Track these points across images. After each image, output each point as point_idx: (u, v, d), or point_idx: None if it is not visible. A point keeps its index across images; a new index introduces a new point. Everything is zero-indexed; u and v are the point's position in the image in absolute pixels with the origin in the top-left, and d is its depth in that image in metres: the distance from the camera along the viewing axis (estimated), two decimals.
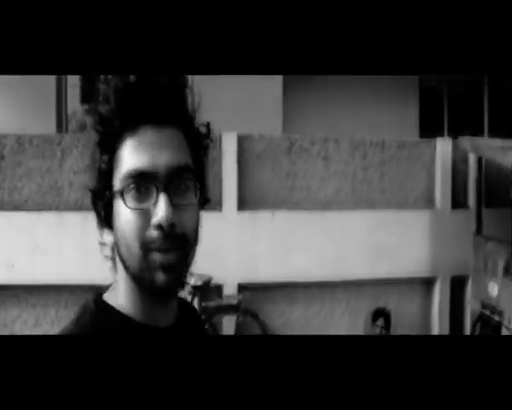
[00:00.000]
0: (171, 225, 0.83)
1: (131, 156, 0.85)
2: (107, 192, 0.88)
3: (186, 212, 0.87)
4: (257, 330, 5.37)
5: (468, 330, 5.90)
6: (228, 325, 5.51)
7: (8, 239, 5.43)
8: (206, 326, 4.92)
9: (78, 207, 5.74)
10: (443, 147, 6.07)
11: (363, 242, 5.90)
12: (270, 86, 7.17)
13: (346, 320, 6.16)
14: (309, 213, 5.87)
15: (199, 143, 0.94)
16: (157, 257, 0.85)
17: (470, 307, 5.49)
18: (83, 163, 5.72)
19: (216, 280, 5.26)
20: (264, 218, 5.72)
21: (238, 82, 6.63)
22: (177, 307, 0.99)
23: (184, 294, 5.82)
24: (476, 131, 8.22)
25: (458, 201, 6.15)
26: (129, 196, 0.85)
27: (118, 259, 0.91)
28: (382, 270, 5.94)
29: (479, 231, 5.57)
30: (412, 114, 8.49)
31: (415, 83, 8.70)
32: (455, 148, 5.95)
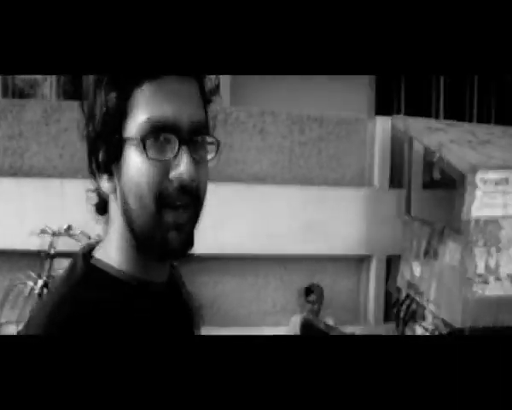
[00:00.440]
0: (192, 181, 0.81)
1: (153, 104, 0.80)
2: (116, 136, 0.81)
3: (202, 169, 0.85)
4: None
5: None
6: None
7: None
8: None
9: (13, 173, 5.74)
10: (383, 125, 6.05)
11: (297, 217, 5.90)
12: None
13: (281, 294, 6.19)
14: (243, 185, 5.86)
15: (209, 99, 0.91)
16: (170, 215, 0.81)
17: (397, 287, 5.52)
18: (18, 128, 5.70)
19: None
20: None
21: None
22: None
23: None
24: (431, 113, 8.19)
25: (398, 180, 6.15)
26: (147, 145, 0.80)
27: (116, 211, 0.86)
28: (316, 246, 5.95)
29: (408, 210, 5.58)
30: (368, 93, 8.43)
31: None
32: (392, 127, 5.94)
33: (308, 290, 5.53)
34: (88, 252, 0.90)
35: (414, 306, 5.23)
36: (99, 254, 0.88)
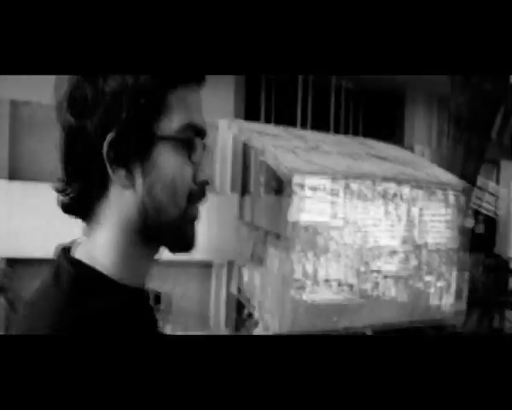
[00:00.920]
0: (208, 182, 0.88)
1: (187, 109, 0.84)
2: (148, 134, 0.81)
3: None
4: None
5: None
6: None
7: None
8: None
9: None
10: (224, 129, 5.99)
11: None
12: None
13: None
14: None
15: None
16: (193, 210, 0.87)
17: (229, 294, 5.47)
18: None
19: None
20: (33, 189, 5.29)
21: None
22: None
23: None
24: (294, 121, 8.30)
25: (244, 186, 6.13)
26: (185, 148, 0.84)
27: (113, 209, 0.84)
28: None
29: (241, 215, 5.56)
30: (235, 99, 8.39)
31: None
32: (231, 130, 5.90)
33: (157, 299, 5.34)
34: (67, 253, 0.86)
35: (248, 310, 5.21)
36: (81, 255, 0.84)
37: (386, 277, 4.67)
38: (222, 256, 6.07)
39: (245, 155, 5.52)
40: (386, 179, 4.56)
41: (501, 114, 6.09)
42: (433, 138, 7.52)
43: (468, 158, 6.30)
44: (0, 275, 5.22)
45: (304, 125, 8.61)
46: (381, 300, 4.66)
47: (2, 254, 5.38)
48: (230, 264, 6.08)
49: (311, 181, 4.02)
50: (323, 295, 4.22)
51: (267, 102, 8.70)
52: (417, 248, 4.86)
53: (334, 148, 5.04)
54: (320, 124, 7.83)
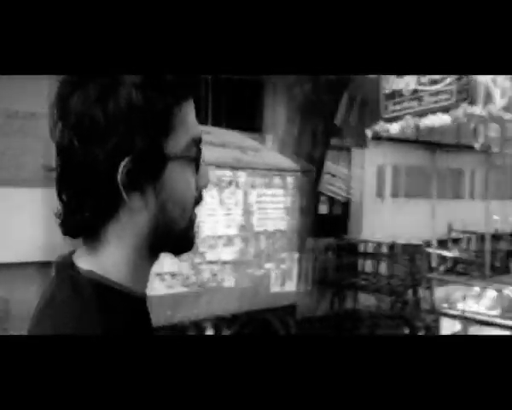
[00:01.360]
0: (207, 186, 0.93)
1: (192, 123, 0.87)
2: (161, 154, 0.82)
3: None
4: None
5: None
6: None
7: None
8: None
9: None
10: None
11: None
12: None
13: None
14: None
15: None
16: (194, 213, 0.91)
17: None
18: None
19: None
20: None
21: None
22: None
23: None
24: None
25: None
26: (191, 162, 0.88)
27: (127, 226, 0.84)
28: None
29: None
30: None
31: None
32: None
33: None
34: (72, 263, 0.86)
35: None
36: (88, 265, 0.84)
37: (224, 265, 4.59)
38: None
39: None
40: (220, 166, 4.48)
41: (344, 100, 6.26)
42: (282, 125, 7.60)
43: (315, 144, 6.44)
44: None
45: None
46: (220, 289, 4.58)
47: None
48: None
49: None
50: (156, 289, 4.05)
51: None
52: (256, 234, 4.83)
53: None
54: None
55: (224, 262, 4.59)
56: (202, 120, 8.02)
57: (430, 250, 6.05)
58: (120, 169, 0.77)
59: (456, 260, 7.41)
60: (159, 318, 4.03)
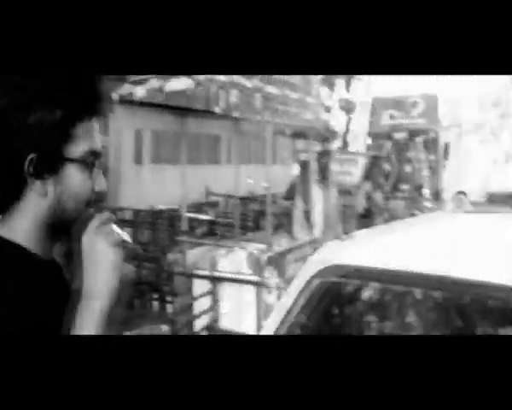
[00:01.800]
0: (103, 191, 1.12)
1: (92, 137, 1.08)
2: (60, 155, 1.05)
3: None
4: None
5: None
6: None
7: None
8: None
9: None
10: None
11: None
12: None
13: None
14: None
15: None
16: (86, 211, 1.07)
17: None
18: None
19: None
20: None
21: None
22: None
23: None
24: None
25: None
26: (87, 167, 1.07)
27: (33, 202, 1.06)
28: None
29: None
30: None
31: None
32: None
33: None
34: None
35: None
36: (2, 231, 1.06)
37: None
38: None
39: None
40: None
41: None
42: None
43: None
44: None
45: None
46: None
47: None
48: None
49: None
50: None
51: None
52: None
53: None
54: None
55: None
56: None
57: (187, 214, 6.16)
58: (27, 161, 1.01)
59: (212, 223, 7.72)
60: None
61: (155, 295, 6.34)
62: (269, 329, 1.64)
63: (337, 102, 9.77)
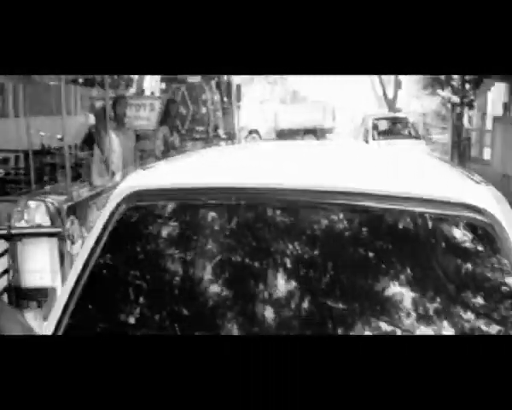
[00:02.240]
0: None
1: None
2: None
3: None
4: None
5: None
6: None
7: None
8: None
9: None
10: None
11: None
12: None
13: None
14: None
15: None
16: None
17: None
18: None
19: None
20: None
21: None
22: None
23: None
24: None
25: None
26: None
27: None
28: None
29: None
30: None
31: None
32: None
33: None
34: None
35: None
36: None
37: None
38: None
39: None
40: None
41: None
42: None
43: None
44: None
45: None
46: None
47: None
48: None
49: None
50: None
51: None
52: None
53: None
54: None
55: None
56: None
57: None
58: None
59: (4, 180, 7.21)
60: None
61: None
62: (77, 265, 1.64)
63: None
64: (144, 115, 8.14)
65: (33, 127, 6.84)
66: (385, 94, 21.93)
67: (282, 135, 18.99)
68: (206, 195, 1.60)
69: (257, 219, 1.60)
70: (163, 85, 10.34)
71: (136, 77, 10.18)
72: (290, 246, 1.53)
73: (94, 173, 6.35)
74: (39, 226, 4.67)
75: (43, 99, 10.58)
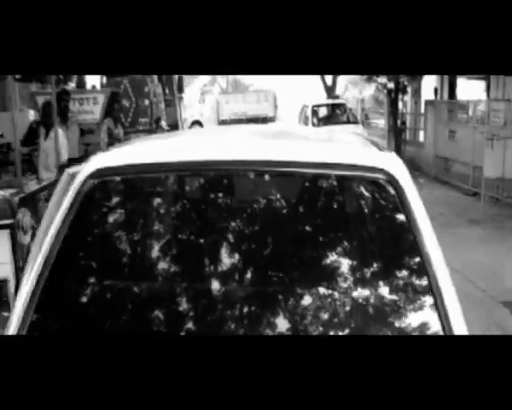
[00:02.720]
0: None
1: None
2: None
3: None
4: None
5: None
6: None
7: None
8: None
9: None
10: None
11: None
12: None
13: None
14: None
15: None
16: None
17: None
18: None
19: None
20: None
21: None
22: None
23: None
24: None
25: None
26: None
27: None
28: None
29: None
30: None
31: None
32: None
33: None
34: None
35: None
36: None
37: None
38: None
39: None
40: None
41: None
42: None
43: None
44: None
45: None
46: None
47: None
48: None
49: None
50: None
51: None
52: None
53: None
54: None
55: None
56: None
57: None
58: None
59: None
60: None
61: None
62: (43, 248, 1.65)
63: None
64: (88, 109, 8.20)
65: None
66: (324, 81, 22.47)
67: (225, 125, 19.18)
68: (163, 169, 1.81)
69: (204, 188, 1.92)
70: (104, 79, 10.35)
71: None
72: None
73: (39, 168, 6.42)
74: None
75: None
